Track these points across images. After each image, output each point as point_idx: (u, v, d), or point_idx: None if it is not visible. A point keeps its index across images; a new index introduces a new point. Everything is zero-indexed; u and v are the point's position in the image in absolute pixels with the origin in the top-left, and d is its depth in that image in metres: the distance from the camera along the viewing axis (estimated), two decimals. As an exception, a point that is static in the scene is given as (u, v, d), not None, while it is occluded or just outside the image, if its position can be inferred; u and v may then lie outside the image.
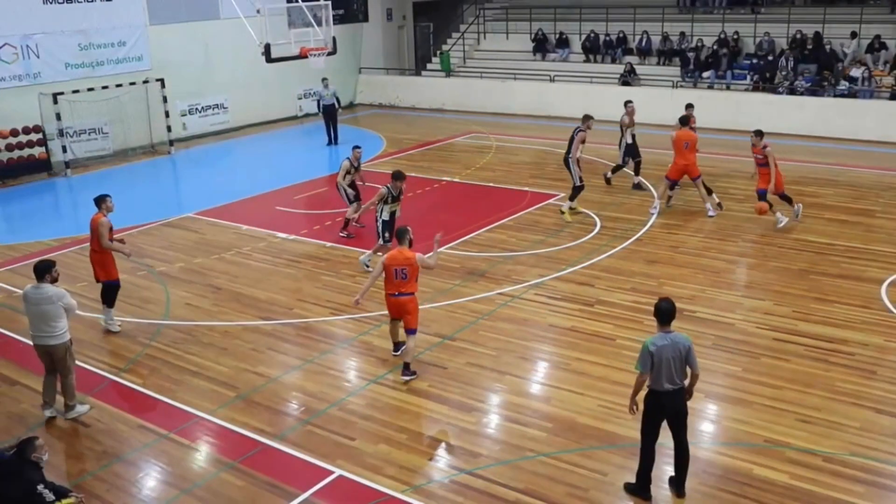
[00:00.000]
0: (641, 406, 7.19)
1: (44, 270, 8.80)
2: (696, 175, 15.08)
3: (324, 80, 22.51)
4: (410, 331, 9.55)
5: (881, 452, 7.92)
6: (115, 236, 11.15)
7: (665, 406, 7.08)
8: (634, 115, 16.88)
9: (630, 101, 17.04)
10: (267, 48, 18.81)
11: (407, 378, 9.53)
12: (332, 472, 7.84)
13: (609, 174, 17.39)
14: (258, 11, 19.06)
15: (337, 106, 22.66)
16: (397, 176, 12.47)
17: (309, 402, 9.19)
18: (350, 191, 14.56)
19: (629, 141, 16.85)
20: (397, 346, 10.08)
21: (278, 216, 16.31)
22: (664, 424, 7.20)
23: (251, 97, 25.60)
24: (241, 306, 11.88)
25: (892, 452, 7.94)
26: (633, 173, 17.19)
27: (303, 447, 8.28)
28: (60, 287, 8.92)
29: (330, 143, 22.63)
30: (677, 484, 7.40)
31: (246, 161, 22.11)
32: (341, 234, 14.68)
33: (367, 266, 12.79)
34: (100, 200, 10.98)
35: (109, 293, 11.18)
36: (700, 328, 10.65)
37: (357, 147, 14.95)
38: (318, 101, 22.77)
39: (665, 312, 7.03)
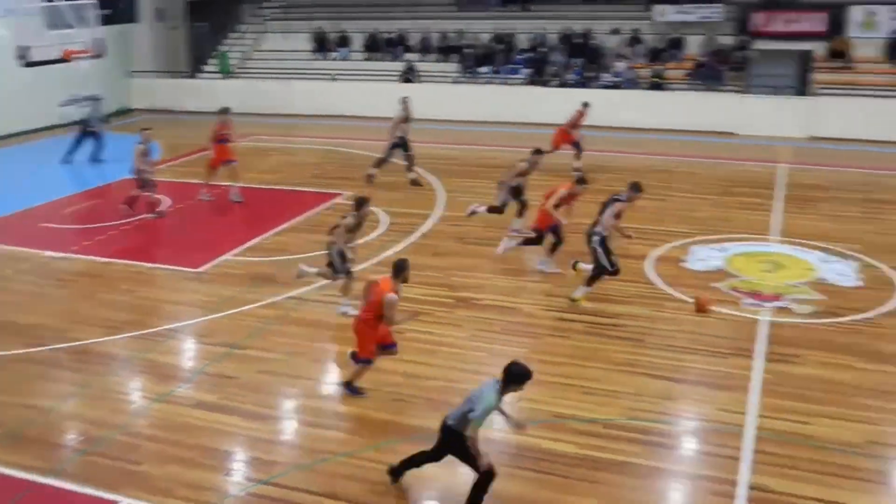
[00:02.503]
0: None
1: None
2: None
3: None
4: (351, 354, 8.99)
5: (653, 413, 8.58)
6: None
7: None
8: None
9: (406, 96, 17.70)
10: (23, 51, 17.29)
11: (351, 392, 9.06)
12: (116, 503, 7.33)
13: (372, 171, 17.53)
14: (9, 11, 17.49)
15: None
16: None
17: (89, 430, 8.52)
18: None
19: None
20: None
21: (44, 233, 15.00)
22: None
23: (8, 106, 23.40)
24: (5, 335, 10.80)
25: (663, 412, 8.64)
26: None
27: (83, 479, 7.66)
28: None
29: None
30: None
31: (3, 175, 20.12)
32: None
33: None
34: None
35: None
36: (489, 315, 11.02)
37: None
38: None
39: None
